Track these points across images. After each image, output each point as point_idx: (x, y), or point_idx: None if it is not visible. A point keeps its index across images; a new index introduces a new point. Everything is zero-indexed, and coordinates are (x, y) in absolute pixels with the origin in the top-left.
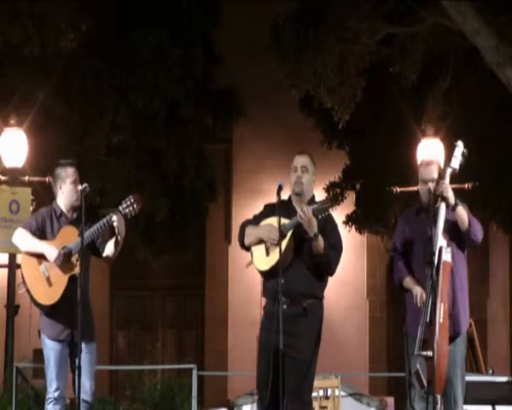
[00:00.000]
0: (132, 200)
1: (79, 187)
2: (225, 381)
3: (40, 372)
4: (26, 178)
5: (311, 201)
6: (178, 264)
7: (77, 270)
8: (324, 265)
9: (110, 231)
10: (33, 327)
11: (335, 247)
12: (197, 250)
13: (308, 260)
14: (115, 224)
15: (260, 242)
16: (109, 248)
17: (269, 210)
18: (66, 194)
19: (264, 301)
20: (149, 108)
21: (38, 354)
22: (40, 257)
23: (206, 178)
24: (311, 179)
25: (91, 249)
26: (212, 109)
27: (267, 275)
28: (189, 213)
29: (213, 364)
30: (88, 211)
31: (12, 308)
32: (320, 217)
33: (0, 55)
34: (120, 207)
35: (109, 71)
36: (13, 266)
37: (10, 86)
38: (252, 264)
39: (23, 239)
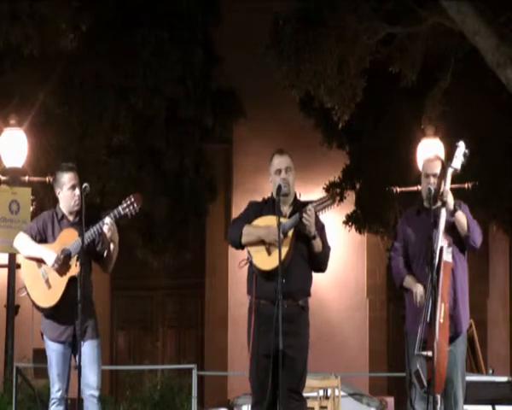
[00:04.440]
0: (132, 199)
1: (77, 192)
2: (225, 381)
3: (40, 372)
4: (26, 178)
5: (295, 199)
6: (178, 264)
7: (76, 271)
8: (322, 263)
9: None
10: (34, 327)
11: (327, 245)
12: (197, 250)
13: (306, 259)
14: (105, 228)
15: (259, 242)
16: (108, 255)
17: (256, 208)
18: (64, 199)
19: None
20: (149, 108)
21: (38, 354)
22: (40, 260)
23: (206, 178)
24: (294, 178)
25: (92, 253)
26: (212, 109)
27: (267, 275)
28: (188, 213)
29: (213, 364)
30: (91, 212)
31: (12, 308)
32: (320, 214)
33: (0, 55)
34: (120, 208)
35: (109, 71)
36: (13, 266)
37: (10, 86)
38: (247, 263)
39: (23, 244)
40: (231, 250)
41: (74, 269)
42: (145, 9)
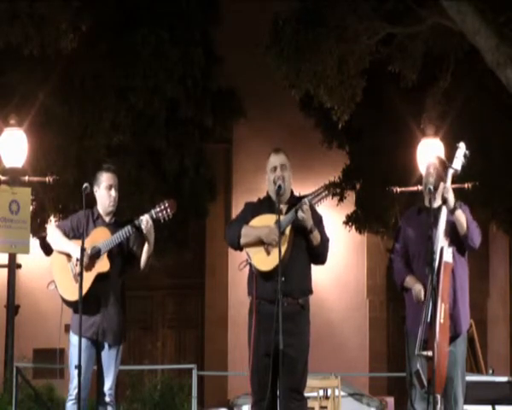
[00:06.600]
0: (166, 204)
1: (113, 193)
2: (225, 381)
3: (40, 372)
4: (26, 178)
5: (291, 196)
6: (178, 264)
7: (104, 268)
8: (321, 255)
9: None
10: (34, 327)
11: (326, 237)
12: (197, 250)
13: (305, 255)
14: (142, 226)
15: (258, 242)
16: (142, 255)
17: (252, 208)
18: (100, 198)
19: (249, 300)
20: (149, 108)
21: (38, 354)
22: (69, 255)
23: (206, 178)
24: (290, 176)
25: (125, 254)
26: (212, 109)
27: (267, 275)
28: (189, 213)
29: (213, 364)
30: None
31: (12, 308)
32: (316, 206)
33: (0, 55)
34: (153, 211)
35: (109, 71)
36: (13, 266)
37: (10, 86)
38: (247, 265)
39: (54, 237)
40: (231, 250)
41: (102, 266)
42: (145, 9)
